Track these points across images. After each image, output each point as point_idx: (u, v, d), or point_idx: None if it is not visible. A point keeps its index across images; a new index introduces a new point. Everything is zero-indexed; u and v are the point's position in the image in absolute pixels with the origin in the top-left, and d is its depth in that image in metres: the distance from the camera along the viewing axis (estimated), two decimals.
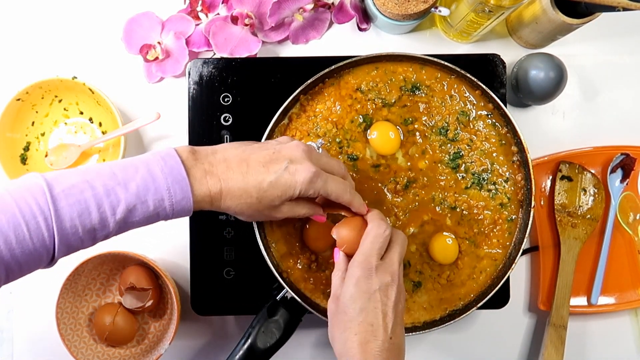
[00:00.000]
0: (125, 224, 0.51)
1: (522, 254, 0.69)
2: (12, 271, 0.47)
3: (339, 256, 0.59)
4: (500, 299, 0.72)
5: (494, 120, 0.71)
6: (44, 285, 0.77)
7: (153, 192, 0.50)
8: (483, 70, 0.72)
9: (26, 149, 0.77)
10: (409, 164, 0.71)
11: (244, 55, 0.77)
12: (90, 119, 0.79)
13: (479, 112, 0.71)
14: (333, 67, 0.69)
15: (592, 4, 0.67)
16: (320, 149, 0.59)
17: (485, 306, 0.69)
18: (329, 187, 0.56)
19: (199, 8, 0.78)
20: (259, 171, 0.54)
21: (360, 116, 0.71)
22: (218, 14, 0.79)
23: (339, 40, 0.81)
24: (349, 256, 0.58)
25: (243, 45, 0.77)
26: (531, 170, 0.68)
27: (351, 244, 0.58)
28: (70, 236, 0.48)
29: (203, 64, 0.73)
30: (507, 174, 0.71)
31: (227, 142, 0.73)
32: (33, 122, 0.78)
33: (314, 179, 0.54)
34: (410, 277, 0.70)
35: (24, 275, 0.49)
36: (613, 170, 0.79)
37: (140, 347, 0.77)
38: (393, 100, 0.71)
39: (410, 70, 0.71)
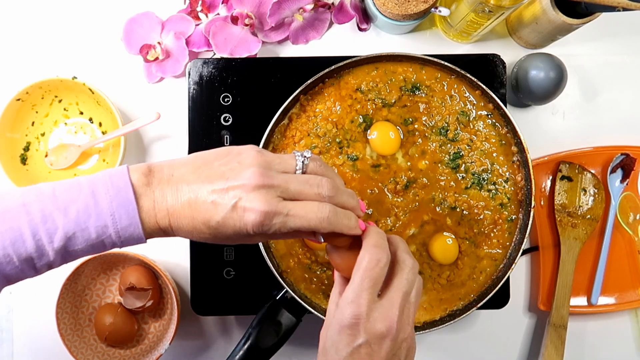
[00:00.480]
0: (68, 253, 0.46)
1: (522, 254, 0.69)
2: None
3: (335, 276, 0.52)
4: (500, 299, 0.72)
5: (494, 120, 0.71)
6: (44, 285, 0.77)
7: (95, 218, 0.45)
8: (483, 70, 0.72)
9: (26, 149, 0.77)
10: (409, 164, 0.71)
11: (244, 56, 0.77)
12: (90, 119, 0.79)
13: (479, 112, 0.71)
14: (333, 67, 0.69)
15: (592, 4, 0.67)
16: (304, 164, 0.49)
17: (485, 306, 0.69)
18: (291, 224, 0.46)
19: (199, 8, 0.78)
20: (206, 208, 0.46)
21: (360, 116, 0.71)
22: (218, 14, 0.79)
23: (339, 40, 0.81)
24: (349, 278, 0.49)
25: (243, 45, 0.77)
26: (531, 171, 0.68)
27: (347, 269, 0.49)
28: (4, 265, 0.44)
29: (203, 64, 0.73)
30: (507, 174, 0.71)
31: (227, 142, 0.73)
32: (33, 122, 0.78)
33: (265, 221, 0.45)
34: None
35: None
36: (613, 170, 0.79)
37: (140, 347, 0.77)
38: (393, 101, 0.71)
39: (410, 71, 0.71)
